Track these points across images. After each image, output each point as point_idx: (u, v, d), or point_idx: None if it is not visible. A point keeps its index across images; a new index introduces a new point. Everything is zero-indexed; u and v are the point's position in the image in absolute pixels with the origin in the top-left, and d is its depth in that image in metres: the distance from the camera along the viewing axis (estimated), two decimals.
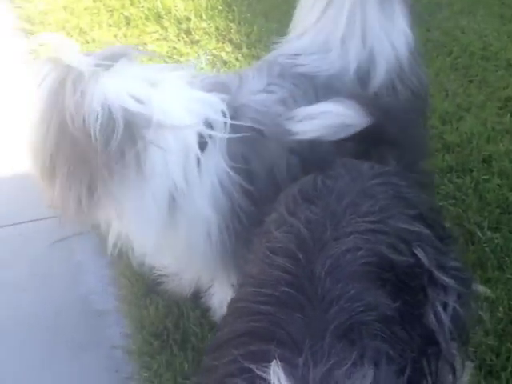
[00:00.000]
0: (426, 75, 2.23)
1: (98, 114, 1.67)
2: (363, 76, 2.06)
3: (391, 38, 2.08)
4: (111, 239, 1.95)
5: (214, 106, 1.86)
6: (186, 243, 1.93)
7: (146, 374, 2.08)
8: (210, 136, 1.84)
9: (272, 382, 1.04)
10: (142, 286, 2.36)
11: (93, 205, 1.80)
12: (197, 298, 2.26)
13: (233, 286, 1.89)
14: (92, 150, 1.70)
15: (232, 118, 1.87)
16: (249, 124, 1.88)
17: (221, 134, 1.84)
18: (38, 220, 2.72)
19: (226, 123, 1.85)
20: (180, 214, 1.86)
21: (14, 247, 2.63)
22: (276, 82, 1.99)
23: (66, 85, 1.70)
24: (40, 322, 2.34)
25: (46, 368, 2.19)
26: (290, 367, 1.12)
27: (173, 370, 2.06)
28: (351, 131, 1.75)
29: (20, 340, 2.28)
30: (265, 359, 1.13)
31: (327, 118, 1.77)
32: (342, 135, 1.76)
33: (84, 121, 1.68)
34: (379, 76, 2.07)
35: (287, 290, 1.31)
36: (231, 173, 1.86)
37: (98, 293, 2.44)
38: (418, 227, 1.53)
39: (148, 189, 1.80)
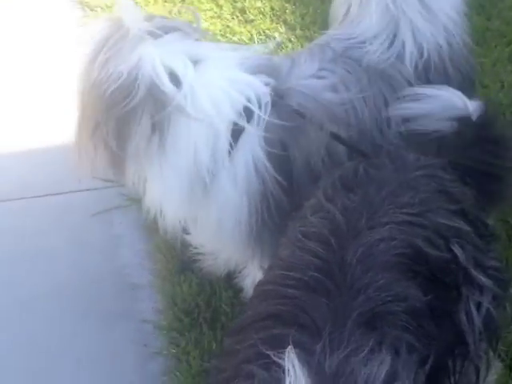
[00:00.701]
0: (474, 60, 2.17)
1: (120, 77, 1.67)
2: (416, 62, 2.00)
3: (441, 23, 2.01)
4: (144, 207, 1.93)
5: (256, 89, 1.82)
6: (215, 224, 1.91)
7: (173, 350, 2.07)
8: (248, 120, 1.81)
9: (286, 368, 1.01)
10: (177, 263, 2.35)
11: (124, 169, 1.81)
12: (230, 278, 2.24)
13: (262, 268, 1.88)
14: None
15: (277, 102, 1.83)
16: (293, 108, 1.84)
17: (258, 119, 1.80)
18: (79, 191, 2.73)
19: (265, 108, 1.81)
20: (208, 193, 1.84)
21: (55, 217, 2.65)
22: (328, 67, 1.95)
23: (109, 41, 1.69)
24: (74, 291, 2.35)
25: (77, 336, 2.21)
26: (306, 354, 1.11)
27: (201, 348, 2.04)
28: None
29: (53, 307, 2.31)
30: (283, 345, 1.11)
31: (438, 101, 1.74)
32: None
33: (106, 78, 1.68)
34: (432, 62, 2.01)
35: (316, 274, 1.28)
36: (266, 158, 1.82)
37: (133, 266, 2.44)
38: (458, 223, 1.48)
39: (169, 163, 1.79)
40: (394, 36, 2.00)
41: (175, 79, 1.75)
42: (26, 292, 2.35)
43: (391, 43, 2.00)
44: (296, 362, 1.01)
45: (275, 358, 1.07)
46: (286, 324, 1.22)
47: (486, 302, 1.48)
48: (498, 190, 1.75)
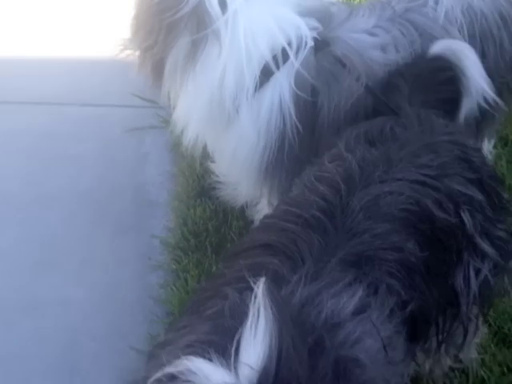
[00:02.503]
0: None
1: None
2: (473, 31, 1.94)
3: None
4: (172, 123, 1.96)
5: (299, 31, 1.80)
6: (230, 154, 1.92)
7: (174, 267, 2.11)
8: (283, 60, 1.79)
9: (253, 295, 1.01)
10: (197, 188, 2.38)
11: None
12: (243, 210, 2.25)
13: (272, 205, 1.89)
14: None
15: (320, 47, 1.81)
16: (334, 56, 1.81)
17: (292, 62, 1.78)
18: (117, 106, 2.79)
19: (304, 51, 1.78)
20: (228, 123, 1.84)
21: (89, 127, 2.72)
22: (383, 25, 1.90)
23: None
24: (93, 197, 2.41)
25: (87, 238, 2.27)
26: (281, 283, 1.12)
27: (201, 268, 2.07)
28: None
29: (70, 209, 2.37)
30: (264, 272, 1.12)
31: None
32: None
33: None
34: (489, 33, 1.95)
35: (317, 213, 1.29)
36: (293, 102, 1.80)
37: (154, 185, 2.48)
38: (473, 192, 1.45)
39: (196, 83, 1.80)
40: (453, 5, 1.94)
41: (223, 3, 1.74)
42: (47, 190, 2.43)
43: (447, 11, 1.94)
44: (264, 290, 1.00)
45: (252, 283, 1.07)
46: (275, 254, 1.22)
47: (486, 270, 1.47)
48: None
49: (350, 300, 1.13)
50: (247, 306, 0.98)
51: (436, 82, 1.79)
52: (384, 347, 1.11)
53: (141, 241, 2.26)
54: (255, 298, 0.98)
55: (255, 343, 0.91)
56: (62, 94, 2.84)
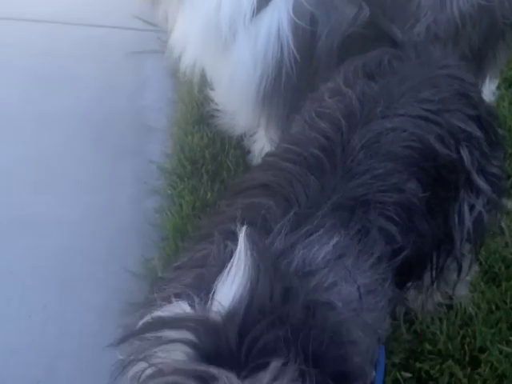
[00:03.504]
0: None
1: None
2: None
3: None
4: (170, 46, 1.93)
5: None
6: (227, 81, 1.90)
7: (170, 192, 2.13)
8: None
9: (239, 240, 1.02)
10: (196, 114, 2.37)
11: None
12: (241, 139, 2.25)
13: (271, 140, 1.89)
14: None
15: None
16: None
17: None
18: (119, 28, 2.75)
19: None
20: (225, 49, 1.81)
21: (91, 48, 2.68)
22: None
23: None
24: (92, 119, 2.41)
25: (84, 160, 2.28)
26: (265, 232, 1.11)
27: (196, 195, 2.09)
28: None
29: (68, 129, 2.37)
30: (259, 214, 1.13)
31: None
32: None
33: None
34: None
35: (316, 152, 1.27)
36: (291, 30, 1.77)
37: (153, 110, 2.47)
38: (472, 128, 1.45)
39: (193, 5, 1.77)
40: None
41: None
42: (46, 110, 2.42)
43: None
44: (246, 239, 1.01)
45: (237, 230, 1.07)
46: (272, 195, 1.22)
47: (480, 206, 1.48)
48: None
49: (323, 248, 1.11)
50: (229, 255, 1.00)
51: None
52: (360, 295, 1.12)
53: (138, 165, 2.27)
54: (237, 245, 0.99)
55: (231, 285, 0.94)
56: (63, 13, 2.79)
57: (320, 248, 1.11)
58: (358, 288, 1.12)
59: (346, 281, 1.11)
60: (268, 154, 1.46)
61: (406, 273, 1.35)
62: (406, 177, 1.30)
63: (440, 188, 1.38)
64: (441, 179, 1.38)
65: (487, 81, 2.09)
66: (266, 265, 0.99)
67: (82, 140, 2.35)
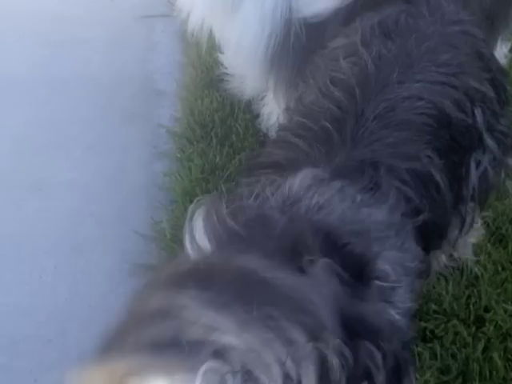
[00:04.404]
0: None
1: None
2: None
3: None
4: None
5: None
6: (236, 42, 1.89)
7: (179, 156, 2.14)
8: None
9: None
10: (206, 78, 2.37)
11: None
12: (250, 104, 2.24)
13: (285, 108, 1.87)
14: None
15: None
16: None
17: None
18: None
19: None
20: (233, 9, 1.80)
21: (101, 11, 2.69)
22: None
23: None
24: (102, 83, 2.42)
25: (93, 124, 2.30)
26: None
27: (205, 158, 2.09)
28: None
29: (78, 93, 2.38)
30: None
31: None
32: None
33: None
34: None
35: (327, 125, 1.24)
36: None
37: (163, 74, 2.47)
38: (486, 88, 1.43)
39: None
40: None
41: None
42: (56, 74, 2.43)
43: None
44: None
45: None
46: (283, 175, 1.19)
47: (486, 162, 1.46)
48: None
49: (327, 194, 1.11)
50: None
51: None
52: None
53: (147, 129, 2.28)
54: None
55: None
56: None
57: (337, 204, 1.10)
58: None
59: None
60: (281, 128, 1.44)
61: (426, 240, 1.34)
62: (421, 145, 1.27)
63: (456, 154, 1.37)
64: (457, 145, 1.36)
65: (499, 43, 2.07)
66: None
67: (91, 104, 2.36)
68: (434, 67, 1.35)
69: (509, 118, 1.52)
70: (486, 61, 1.46)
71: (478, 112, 1.40)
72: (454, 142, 1.34)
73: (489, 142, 1.45)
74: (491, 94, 1.44)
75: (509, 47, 2.26)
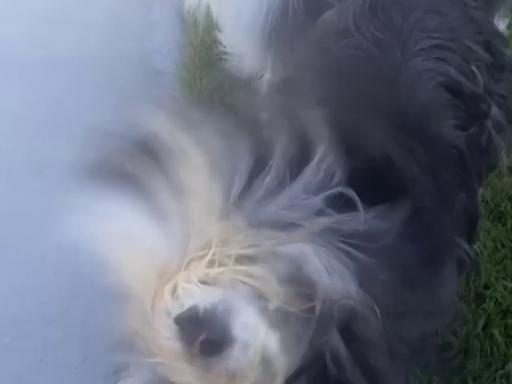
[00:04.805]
0: None
1: None
2: None
3: None
4: None
5: None
6: (234, 17, 1.89)
7: None
8: None
9: None
10: (204, 58, 2.36)
11: None
12: (249, 82, 2.23)
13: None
14: None
15: None
16: None
17: None
18: None
19: None
20: None
21: None
22: None
23: None
24: (101, 63, 2.42)
25: (94, 106, 2.28)
26: None
27: None
28: None
29: (78, 73, 2.38)
30: None
31: None
32: None
33: None
34: None
35: None
36: None
37: (162, 53, 2.46)
38: (480, 50, 1.43)
39: None
40: None
41: None
42: (54, 53, 2.43)
43: None
44: None
45: None
46: None
47: (489, 125, 1.46)
48: None
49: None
50: None
51: None
52: None
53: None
54: None
55: None
56: None
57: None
58: None
59: None
60: None
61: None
62: (446, 123, 1.25)
63: (473, 125, 1.36)
64: (473, 115, 1.36)
65: (496, 19, 2.06)
66: None
67: (89, 83, 2.35)
68: (424, 34, 1.33)
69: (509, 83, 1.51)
70: (477, 25, 1.45)
71: (475, 71, 1.39)
72: (468, 112, 1.33)
73: (491, 106, 1.45)
74: (486, 55, 1.44)
75: (506, 23, 2.25)
